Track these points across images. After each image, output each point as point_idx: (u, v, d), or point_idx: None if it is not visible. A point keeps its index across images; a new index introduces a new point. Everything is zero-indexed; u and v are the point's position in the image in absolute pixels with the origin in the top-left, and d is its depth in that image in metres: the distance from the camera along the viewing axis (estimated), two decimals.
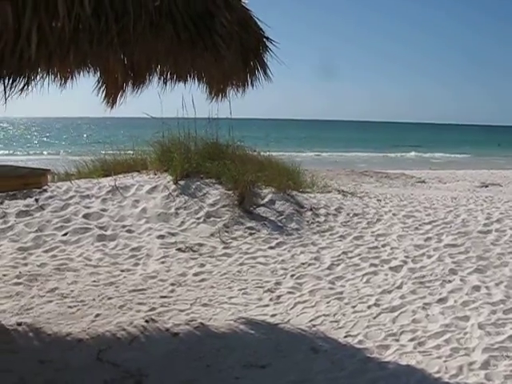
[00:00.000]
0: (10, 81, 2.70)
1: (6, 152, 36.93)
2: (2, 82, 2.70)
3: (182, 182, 7.61)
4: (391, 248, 6.44)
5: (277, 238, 6.56)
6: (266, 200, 7.51)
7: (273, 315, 4.50)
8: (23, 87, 2.76)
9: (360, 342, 4.06)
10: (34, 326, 4.14)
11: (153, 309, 4.51)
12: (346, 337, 4.14)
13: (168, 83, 4.56)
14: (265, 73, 4.15)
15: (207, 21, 3.27)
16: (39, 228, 6.37)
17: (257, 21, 3.85)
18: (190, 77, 4.47)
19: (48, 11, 2.45)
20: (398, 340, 4.10)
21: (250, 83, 4.27)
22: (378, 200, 8.85)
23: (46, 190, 7.11)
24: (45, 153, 37.25)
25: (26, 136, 62.52)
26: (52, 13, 2.46)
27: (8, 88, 2.73)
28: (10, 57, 2.46)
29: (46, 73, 3.87)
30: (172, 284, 5.10)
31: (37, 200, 6.98)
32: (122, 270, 5.42)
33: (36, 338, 3.98)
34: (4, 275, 5.14)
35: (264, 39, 3.95)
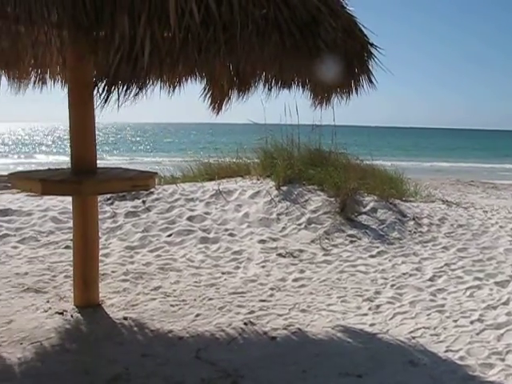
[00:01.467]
0: (124, 88, 2.85)
1: (115, 155, 38.65)
2: (116, 89, 2.85)
3: (284, 188, 7.67)
4: (497, 262, 6.16)
5: (378, 247, 6.46)
6: (368, 208, 7.42)
7: (371, 324, 4.43)
8: (136, 94, 2.90)
9: (461, 358, 3.91)
10: (139, 321, 4.33)
11: (252, 312, 4.58)
12: (446, 351, 4.00)
13: (273, 90, 4.63)
14: (369, 79, 4.12)
15: (312, 28, 3.29)
16: (145, 228, 6.65)
17: (361, 27, 3.84)
18: (295, 83, 4.51)
19: (160, 22, 2.58)
20: (503, 359, 3.89)
21: (354, 90, 4.25)
22: (484, 211, 8.50)
23: (152, 193, 7.41)
24: (151, 156, 38.74)
25: (132, 140, 65.39)
26: (164, 23, 2.59)
27: (122, 95, 2.87)
28: (126, 65, 2.61)
29: (157, 80, 4.04)
30: (271, 288, 5.15)
31: (144, 202, 7.29)
32: (223, 273, 5.54)
33: (140, 333, 4.16)
34: (113, 272, 5.41)
35: (368, 45, 3.92)
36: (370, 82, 4.13)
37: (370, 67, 4.05)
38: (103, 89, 2.84)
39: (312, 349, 3.98)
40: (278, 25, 3.08)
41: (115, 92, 2.84)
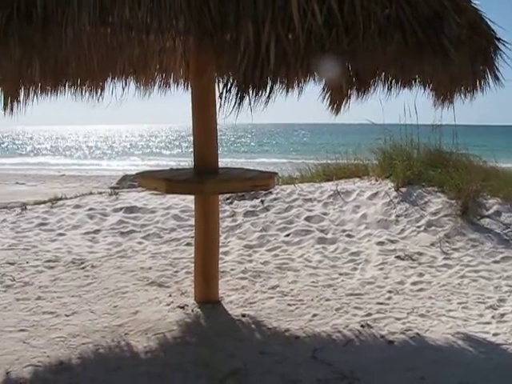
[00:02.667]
0: (253, 92, 2.92)
1: (233, 156, 39.47)
2: (247, 94, 2.92)
3: (403, 189, 7.50)
4: None
5: (502, 252, 6.14)
6: (492, 211, 7.06)
7: (495, 334, 4.22)
8: (267, 98, 2.97)
9: None
10: (256, 318, 4.42)
11: (369, 314, 4.52)
12: None
13: (392, 89, 4.55)
14: (495, 76, 3.93)
15: (436, 24, 3.20)
16: (264, 228, 6.76)
17: (488, 22, 3.67)
18: (415, 82, 4.41)
19: (284, 24, 2.62)
20: None
21: (478, 88, 4.08)
22: None
23: (271, 192, 7.52)
24: (268, 157, 39.22)
25: (248, 141, 66.48)
26: (288, 25, 2.62)
27: (252, 99, 2.94)
28: (253, 69, 2.68)
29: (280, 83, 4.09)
30: (389, 291, 5.06)
31: (262, 201, 7.42)
32: (341, 274, 5.52)
33: (257, 330, 4.25)
34: (232, 269, 5.55)
35: (495, 41, 3.75)
36: (497, 79, 3.94)
37: (497, 64, 3.87)
38: (232, 92, 2.93)
39: (430, 355, 3.86)
40: (401, 23, 3.02)
41: (245, 96, 2.92)
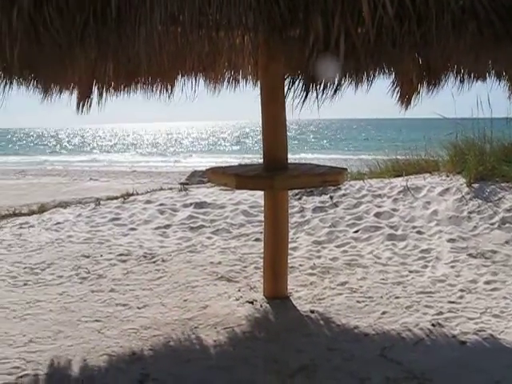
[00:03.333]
0: (321, 87, 2.90)
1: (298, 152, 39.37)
2: (314, 88, 2.91)
3: (475, 185, 7.28)
4: None
5: None
6: None
7: None
8: (334, 92, 2.94)
9: None
10: (325, 315, 4.40)
11: (440, 313, 4.42)
12: None
13: (465, 82, 4.42)
14: None
15: None
16: (332, 224, 6.72)
17: None
18: (490, 75, 4.27)
19: (354, 18, 2.59)
20: None
21: None
22: None
23: (340, 188, 7.47)
24: (334, 153, 38.91)
25: (310, 136, 66.10)
26: (357, 19, 2.59)
27: (320, 94, 2.93)
28: (321, 64, 2.67)
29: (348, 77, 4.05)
30: (461, 290, 4.92)
31: (331, 197, 7.37)
32: (411, 271, 5.41)
33: (326, 327, 4.22)
34: (300, 265, 5.55)
35: None
36: None
37: None
38: (299, 87, 2.92)
39: (505, 358, 3.73)
40: (476, 13, 2.92)
41: (312, 91, 2.91)
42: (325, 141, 60.59)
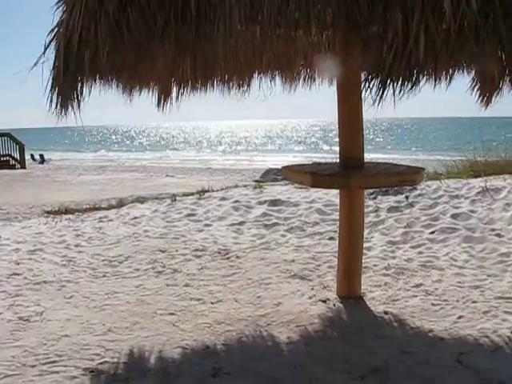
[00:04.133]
0: (399, 84, 2.85)
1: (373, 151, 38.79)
2: (391, 85, 2.86)
3: None
4: None
5: None
6: None
7: None
8: (410, 90, 2.88)
9: None
10: (399, 316, 4.32)
11: None
12: None
13: None
14: None
15: None
16: (408, 224, 6.59)
17: None
18: None
19: (434, 14, 2.52)
20: None
21: None
22: None
23: (415, 188, 7.31)
24: (409, 153, 38.08)
25: (384, 135, 64.81)
26: (438, 14, 2.53)
27: (397, 91, 2.88)
28: (399, 61, 2.62)
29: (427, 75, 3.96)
30: None
31: (407, 197, 7.23)
32: (489, 275, 5.22)
33: (400, 329, 4.15)
34: (374, 265, 5.47)
35: None
36: None
37: None
38: (376, 85, 2.88)
39: None
40: None
41: (389, 88, 2.86)
42: (398, 139, 59.41)
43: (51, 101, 3.49)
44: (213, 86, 5.42)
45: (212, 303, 4.66)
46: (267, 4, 2.80)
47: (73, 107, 3.53)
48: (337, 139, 4.51)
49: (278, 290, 4.96)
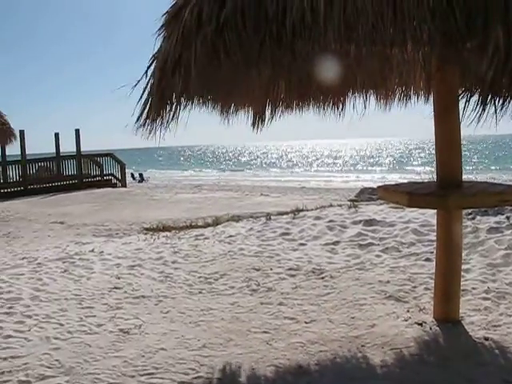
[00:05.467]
0: (501, 102, 2.76)
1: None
2: (492, 103, 2.78)
3: None
4: None
5: None
6: None
7: None
8: None
9: None
10: (501, 343, 4.11)
11: None
12: None
13: None
14: None
15: None
16: (509, 246, 6.29)
17: None
18: None
19: None
20: None
21: None
22: None
23: None
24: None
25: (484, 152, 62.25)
26: None
27: (499, 109, 2.79)
28: (501, 76, 2.53)
29: None
30: None
31: (508, 217, 6.91)
32: None
33: (502, 357, 3.94)
34: (473, 288, 5.25)
35: None
36: None
37: None
38: (476, 102, 2.80)
39: None
40: None
41: (490, 105, 2.77)
42: (493, 158, 56.99)
43: (145, 122, 3.66)
44: (307, 105, 5.45)
45: (306, 323, 4.64)
46: (362, 22, 2.79)
47: (166, 128, 3.68)
48: (430, 158, 4.40)
49: (372, 311, 4.87)
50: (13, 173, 21.30)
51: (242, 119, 5.30)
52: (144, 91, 3.63)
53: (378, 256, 6.52)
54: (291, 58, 3.11)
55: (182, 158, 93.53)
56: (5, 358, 4.13)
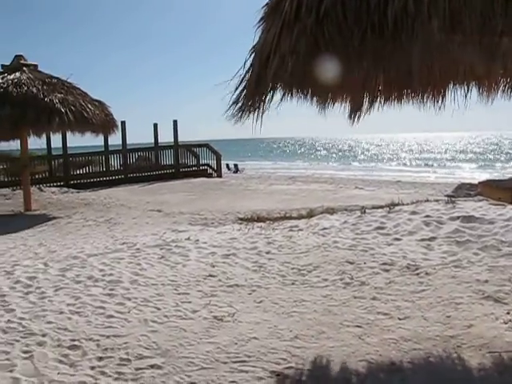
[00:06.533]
0: None
1: None
2: None
3: None
4: None
5: None
6: None
7: None
8: None
9: None
10: None
11: None
12: None
13: None
14: None
15: None
16: None
17: None
18: None
19: None
20: None
21: None
22: None
23: None
24: None
25: None
26: None
27: None
28: None
29: None
30: None
31: None
32: None
33: None
34: None
35: None
36: None
37: None
38: None
39: None
40: None
41: None
42: None
43: (240, 113, 3.71)
44: (406, 97, 5.32)
45: (399, 319, 4.56)
46: (469, 12, 2.69)
47: (261, 119, 3.71)
48: None
49: (469, 310, 4.70)
50: (114, 162, 22.23)
51: (338, 111, 5.25)
52: (241, 82, 3.68)
53: (475, 254, 6.28)
54: (392, 48, 3.05)
55: (278, 150, 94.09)
56: (108, 336, 4.38)
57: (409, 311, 4.72)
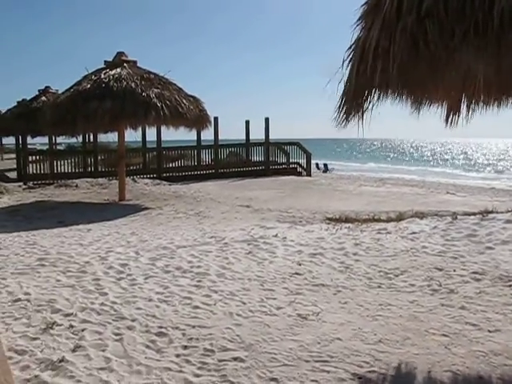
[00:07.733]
0: None
1: None
2: None
3: None
4: None
5: None
6: None
7: None
8: None
9: None
10: None
11: None
12: None
13: None
14: None
15: None
16: None
17: None
18: None
19: None
20: None
21: None
22: None
23: None
24: None
25: None
26: None
27: None
28: None
29: None
30: None
31: None
32: None
33: None
34: None
35: None
36: None
37: None
38: None
39: None
40: None
41: None
42: None
43: (339, 112, 3.68)
44: (506, 100, 5.10)
45: (489, 331, 4.38)
46: None
47: (358, 119, 3.67)
48: None
49: None
50: (206, 157, 22.68)
51: (437, 114, 5.10)
52: (340, 82, 3.66)
53: None
54: (496, 48, 2.93)
55: (368, 151, 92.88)
56: (193, 326, 4.49)
57: (500, 324, 4.52)
